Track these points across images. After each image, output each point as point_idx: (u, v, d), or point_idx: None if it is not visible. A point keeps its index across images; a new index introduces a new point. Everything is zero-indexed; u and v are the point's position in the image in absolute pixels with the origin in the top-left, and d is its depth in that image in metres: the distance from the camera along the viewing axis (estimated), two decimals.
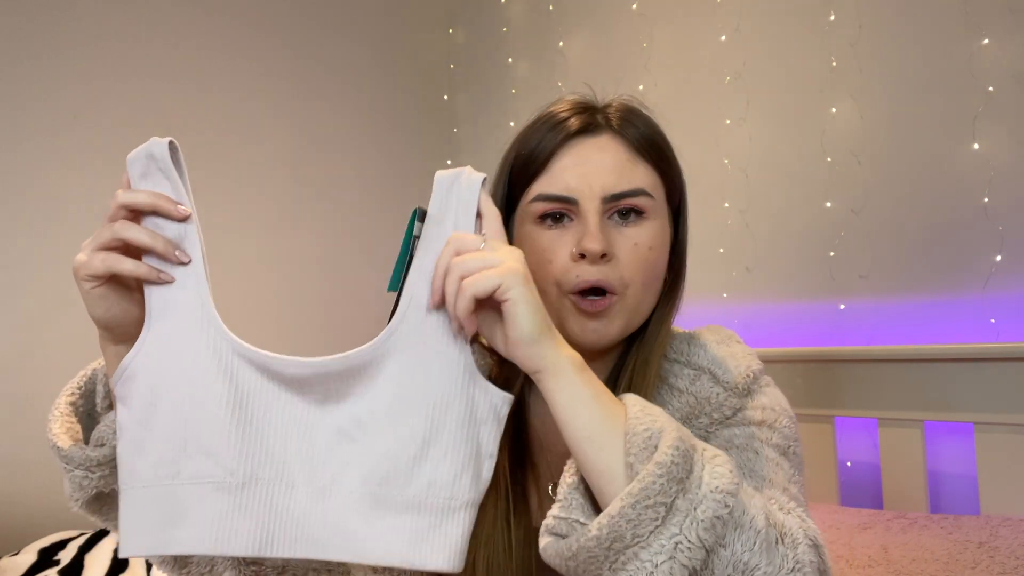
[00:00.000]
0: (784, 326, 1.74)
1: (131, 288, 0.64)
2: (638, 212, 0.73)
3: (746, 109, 1.83)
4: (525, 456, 0.79)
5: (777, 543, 0.52)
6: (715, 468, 0.53)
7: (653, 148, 0.75)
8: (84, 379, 0.72)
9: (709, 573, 0.50)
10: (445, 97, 2.67)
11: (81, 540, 1.59)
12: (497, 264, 0.57)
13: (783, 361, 1.59)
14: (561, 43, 2.30)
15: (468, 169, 0.64)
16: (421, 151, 2.58)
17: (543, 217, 0.74)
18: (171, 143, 0.63)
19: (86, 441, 0.67)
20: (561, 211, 0.73)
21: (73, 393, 0.70)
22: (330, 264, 2.31)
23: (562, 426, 0.57)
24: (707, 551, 0.50)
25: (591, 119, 0.74)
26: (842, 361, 1.53)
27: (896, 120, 1.59)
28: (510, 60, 2.47)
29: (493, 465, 0.63)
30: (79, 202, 1.83)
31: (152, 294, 0.62)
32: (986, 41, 1.46)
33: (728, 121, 1.86)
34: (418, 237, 0.64)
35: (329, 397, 0.61)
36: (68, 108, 1.84)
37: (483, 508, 0.73)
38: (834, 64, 1.68)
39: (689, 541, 0.50)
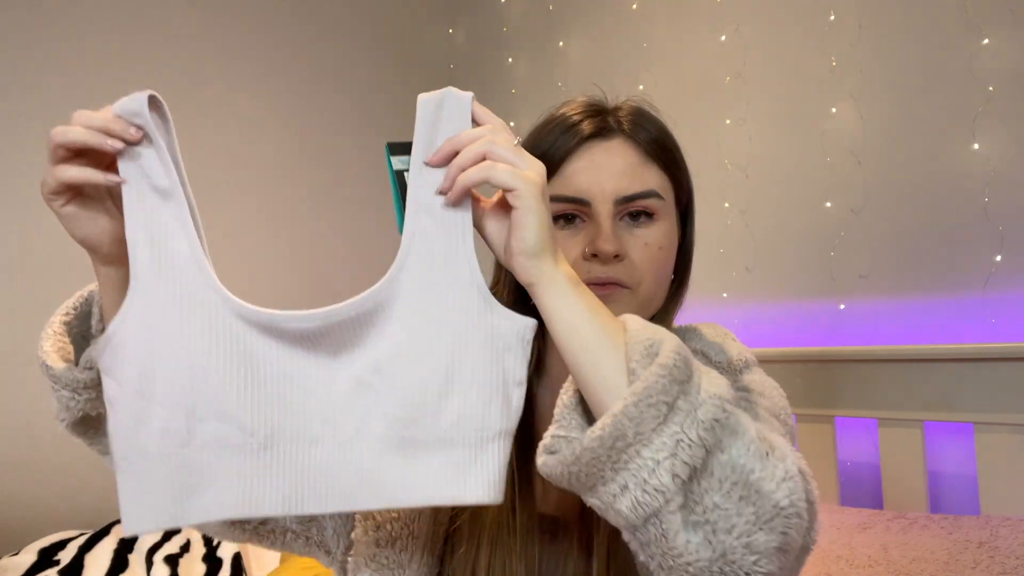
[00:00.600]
0: (784, 326, 1.74)
1: (101, 201, 0.62)
2: (648, 214, 0.75)
3: (746, 109, 1.83)
4: (531, 444, 0.79)
5: (768, 455, 0.53)
6: (712, 379, 0.55)
7: (663, 151, 0.77)
8: (80, 300, 0.70)
9: (708, 474, 0.51)
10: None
11: (81, 540, 1.59)
12: (523, 168, 0.57)
13: (783, 361, 1.59)
14: (561, 43, 2.30)
15: (452, 88, 0.62)
16: None
17: (555, 218, 0.75)
18: (151, 97, 0.59)
19: (77, 363, 0.66)
20: (573, 212, 0.75)
21: (68, 313, 0.68)
22: (330, 264, 2.31)
23: (558, 339, 0.57)
24: (707, 451, 0.51)
25: (603, 123, 0.76)
26: (842, 361, 1.53)
27: (896, 120, 1.59)
28: (510, 60, 2.47)
29: (523, 394, 0.61)
30: None
31: (137, 255, 0.59)
32: (986, 41, 1.46)
33: (728, 121, 1.86)
34: (404, 171, 0.62)
35: (342, 348, 0.59)
36: (68, 108, 1.84)
37: None
38: (834, 64, 1.68)
39: (690, 439, 0.50)
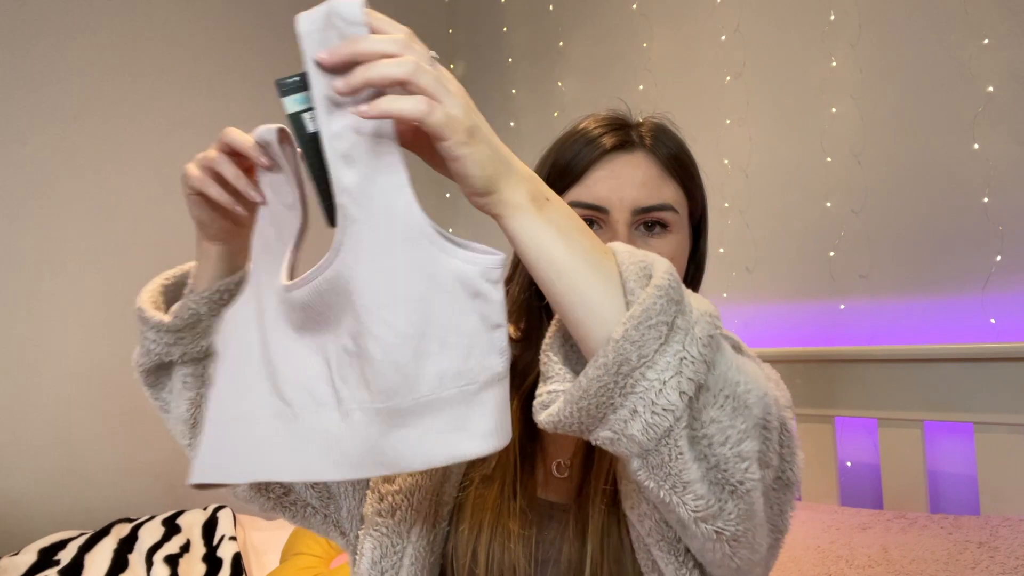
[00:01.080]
0: (784, 326, 1.74)
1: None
2: (663, 225, 0.78)
3: (746, 109, 1.83)
4: (536, 437, 0.82)
5: (748, 360, 0.56)
6: (696, 297, 0.56)
7: (681, 166, 0.81)
8: (180, 273, 0.77)
9: (706, 389, 0.53)
10: None
11: (81, 540, 1.59)
12: (446, 99, 0.50)
13: (783, 361, 1.59)
14: (561, 43, 2.30)
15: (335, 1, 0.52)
16: None
17: None
18: (280, 129, 0.63)
19: None
20: (592, 218, 0.78)
21: (168, 279, 0.76)
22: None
23: (532, 269, 0.55)
24: (707, 366, 0.52)
25: (626, 136, 0.80)
26: (842, 361, 1.53)
27: (896, 120, 1.59)
28: (510, 60, 2.47)
29: (505, 334, 0.58)
30: (79, 202, 1.83)
31: (255, 260, 0.66)
32: (986, 41, 1.46)
33: (728, 121, 1.86)
34: (304, 111, 0.55)
35: (331, 318, 0.59)
36: (68, 108, 1.84)
37: (491, 476, 0.77)
38: (834, 64, 1.68)
39: (692, 356, 0.51)
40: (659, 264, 0.54)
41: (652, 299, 0.51)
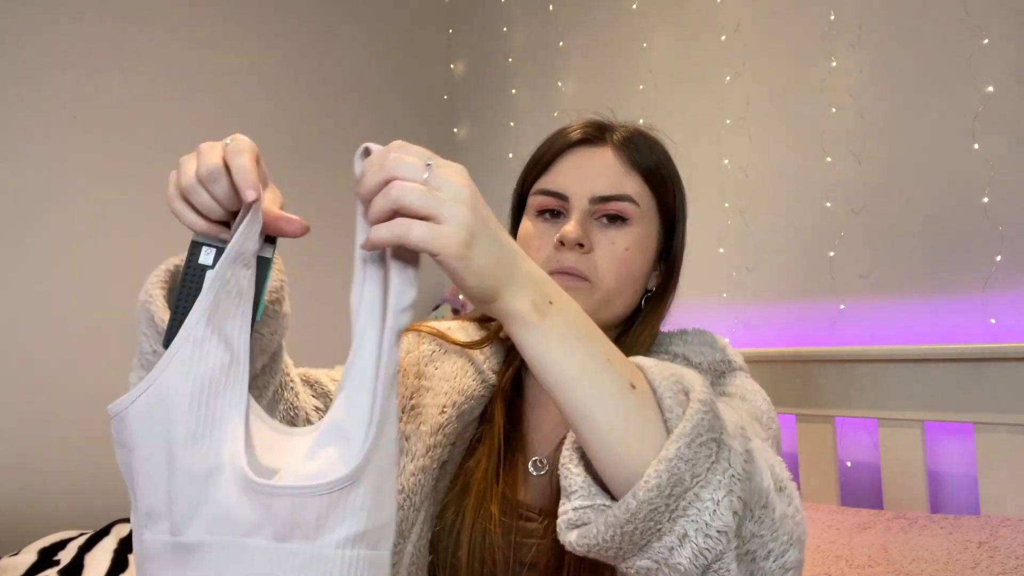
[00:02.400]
0: (784, 326, 1.74)
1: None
2: (622, 218, 0.80)
3: (746, 109, 1.83)
4: (518, 429, 0.84)
5: (772, 474, 0.54)
6: (723, 409, 0.54)
7: (647, 166, 0.83)
8: (168, 272, 0.66)
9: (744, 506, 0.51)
10: (445, 97, 2.67)
11: (81, 540, 1.59)
12: (434, 212, 0.48)
13: (783, 361, 1.59)
14: (561, 43, 2.30)
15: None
16: None
17: (541, 212, 0.82)
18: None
19: None
20: (556, 207, 0.81)
21: (165, 283, 0.65)
22: (329, 264, 2.31)
23: (539, 380, 0.53)
24: (749, 482, 0.50)
25: (596, 133, 0.84)
26: (842, 361, 1.53)
27: (896, 120, 1.59)
28: (510, 60, 2.47)
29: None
30: (79, 202, 1.83)
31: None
32: (986, 41, 1.46)
33: (728, 121, 1.86)
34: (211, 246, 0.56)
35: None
36: (68, 108, 1.84)
37: (476, 463, 0.78)
38: (834, 64, 1.67)
39: (739, 475, 0.49)
40: (693, 379, 0.52)
41: (700, 415, 0.49)
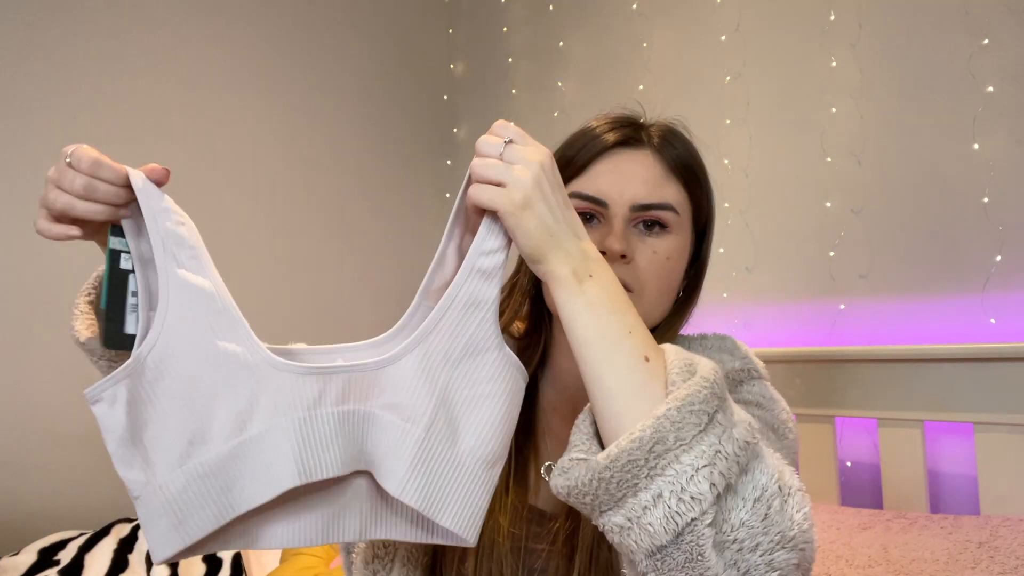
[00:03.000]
0: (784, 326, 1.74)
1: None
2: (662, 225, 0.78)
3: (746, 109, 1.83)
4: (531, 435, 0.82)
5: (785, 485, 0.54)
6: (738, 408, 0.56)
7: (687, 170, 0.80)
8: (97, 279, 0.72)
9: (734, 492, 0.51)
10: (445, 97, 2.67)
11: (81, 540, 1.59)
12: (502, 178, 0.59)
13: (783, 361, 1.59)
14: (561, 43, 2.30)
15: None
16: (421, 151, 2.58)
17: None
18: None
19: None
20: (592, 211, 0.78)
21: (89, 293, 0.71)
22: (329, 264, 2.31)
23: (568, 338, 0.59)
24: (739, 469, 0.51)
25: (634, 134, 0.80)
26: (842, 361, 1.53)
27: (896, 120, 1.59)
28: (510, 60, 2.47)
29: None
30: None
31: (167, 282, 0.62)
32: (986, 41, 1.46)
33: (728, 121, 1.86)
34: (126, 252, 0.62)
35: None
36: (68, 108, 1.84)
37: None
38: (834, 64, 1.68)
39: (726, 453, 0.50)
40: (705, 363, 0.55)
41: (697, 387, 0.51)
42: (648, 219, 0.77)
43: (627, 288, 0.75)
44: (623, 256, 0.75)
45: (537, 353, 0.82)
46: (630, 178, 0.77)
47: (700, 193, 0.82)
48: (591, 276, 0.59)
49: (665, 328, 0.81)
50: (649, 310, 0.77)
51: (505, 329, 0.85)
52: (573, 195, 0.78)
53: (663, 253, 0.77)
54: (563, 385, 0.82)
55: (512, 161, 0.60)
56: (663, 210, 0.77)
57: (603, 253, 0.74)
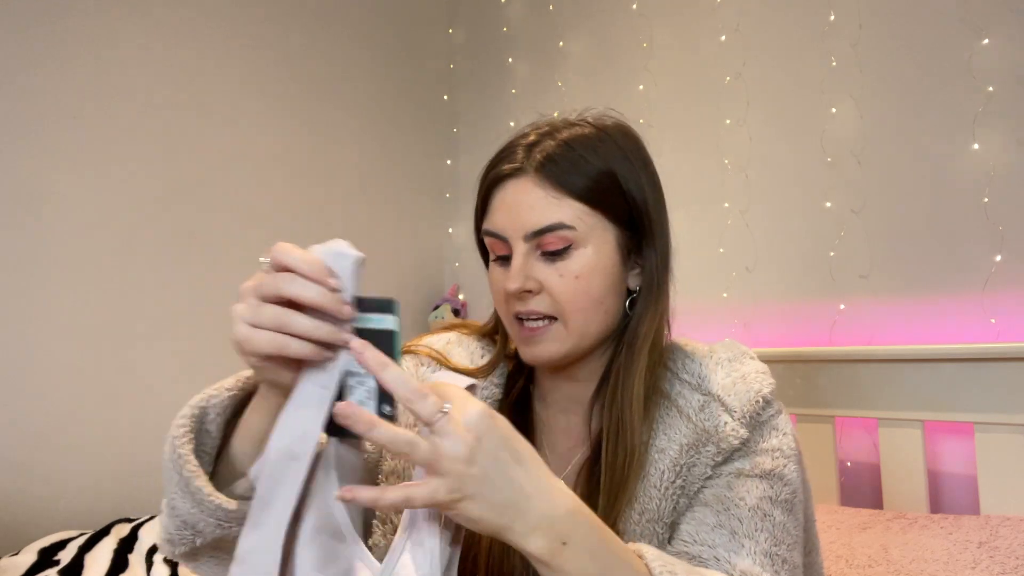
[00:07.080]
0: (784, 326, 1.74)
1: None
2: (564, 246, 0.74)
3: (746, 109, 1.83)
4: (530, 435, 0.82)
5: None
6: None
7: (577, 182, 0.75)
8: (191, 419, 0.63)
9: None
10: (445, 97, 2.67)
11: (81, 540, 1.59)
12: (436, 466, 0.53)
13: (783, 361, 1.59)
14: (561, 43, 2.30)
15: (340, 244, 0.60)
16: (421, 151, 2.58)
17: (496, 258, 0.79)
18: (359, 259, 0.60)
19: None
20: (502, 251, 0.77)
21: (190, 441, 0.63)
22: None
23: None
24: None
25: (514, 161, 0.76)
26: (842, 361, 1.53)
27: (896, 120, 1.59)
28: (510, 60, 2.47)
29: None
30: (79, 202, 1.83)
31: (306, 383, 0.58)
32: (986, 41, 1.46)
33: (728, 121, 1.86)
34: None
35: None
36: (68, 108, 1.84)
37: None
38: (834, 64, 1.68)
39: None
40: None
41: None
42: (547, 247, 0.74)
43: (550, 318, 0.74)
44: (528, 291, 0.74)
45: (524, 372, 0.85)
46: (517, 209, 0.74)
47: (607, 197, 0.76)
48: (564, 544, 0.55)
49: (640, 335, 0.77)
50: (581, 330, 0.75)
51: (500, 353, 0.85)
52: (486, 233, 0.77)
53: (571, 273, 0.74)
54: (552, 400, 0.84)
55: (443, 435, 0.53)
56: (556, 231, 0.73)
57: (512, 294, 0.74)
